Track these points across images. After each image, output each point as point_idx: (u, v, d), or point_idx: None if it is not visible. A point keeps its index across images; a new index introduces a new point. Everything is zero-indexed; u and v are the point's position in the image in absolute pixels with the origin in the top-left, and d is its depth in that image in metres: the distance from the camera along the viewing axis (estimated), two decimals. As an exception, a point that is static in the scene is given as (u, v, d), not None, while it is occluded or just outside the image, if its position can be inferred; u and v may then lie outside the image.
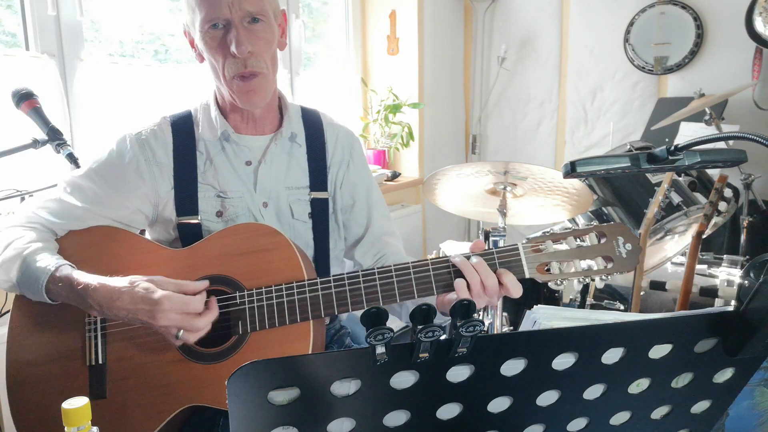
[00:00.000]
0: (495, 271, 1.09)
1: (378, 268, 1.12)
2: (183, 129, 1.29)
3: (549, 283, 1.11)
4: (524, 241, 1.11)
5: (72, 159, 1.52)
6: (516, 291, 1.08)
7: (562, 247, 1.10)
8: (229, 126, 1.28)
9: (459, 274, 1.09)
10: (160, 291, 1.05)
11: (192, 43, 1.26)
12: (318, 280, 1.13)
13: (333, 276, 1.14)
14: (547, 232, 1.12)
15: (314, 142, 1.35)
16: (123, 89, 2.37)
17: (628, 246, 1.10)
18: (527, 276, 1.10)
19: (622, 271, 1.10)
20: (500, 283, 1.08)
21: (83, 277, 1.10)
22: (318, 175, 1.34)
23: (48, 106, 1.60)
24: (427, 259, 1.13)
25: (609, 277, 1.10)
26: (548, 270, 1.10)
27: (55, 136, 1.54)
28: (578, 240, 1.11)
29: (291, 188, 1.32)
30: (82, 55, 2.21)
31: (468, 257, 1.10)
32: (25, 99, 1.54)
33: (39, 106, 1.55)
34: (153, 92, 2.48)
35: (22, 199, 1.55)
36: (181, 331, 1.05)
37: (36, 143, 1.54)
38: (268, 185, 1.30)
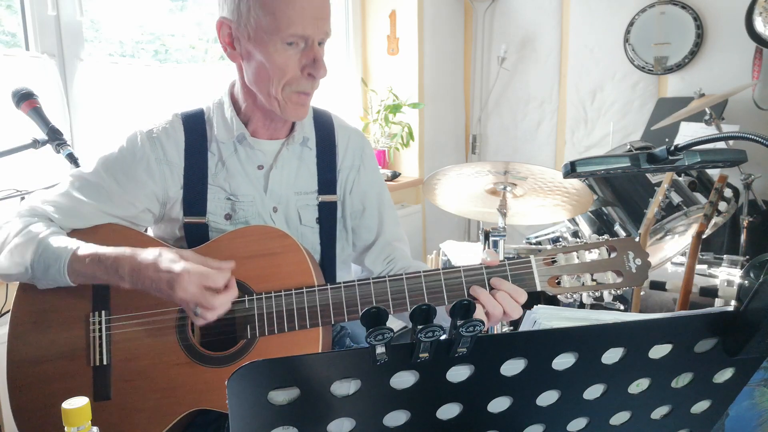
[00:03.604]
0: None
1: (389, 276, 1.13)
2: (196, 128, 1.27)
3: (559, 296, 1.12)
4: (535, 253, 1.13)
5: (72, 159, 1.52)
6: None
7: (574, 260, 1.11)
8: (245, 129, 1.25)
9: (473, 284, 1.11)
10: (183, 262, 1.05)
11: (229, 37, 1.18)
12: (328, 286, 1.13)
13: (343, 282, 1.13)
14: (559, 244, 1.14)
15: (325, 145, 1.34)
16: (123, 89, 2.37)
17: (638, 261, 1.11)
18: (539, 289, 1.11)
19: (632, 285, 1.11)
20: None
21: (111, 249, 1.10)
22: (327, 179, 1.33)
23: (48, 106, 1.60)
24: (439, 269, 1.14)
25: (619, 291, 1.11)
26: (558, 283, 1.11)
27: (55, 136, 1.53)
28: (589, 253, 1.12)
29: (300, 193, 1.31)
30: (82, 55, 2.21)
31: (487, 275, 1.11)
32: (25, 99, 1.53)
33: (39, 106, 1.55)
34: (153, 92, 2.48)
35: (22, 198, 1.55)
36: (198, 307, 1.04)
37: (36, 143, 1.54)
38: (279, 190, 1.29)
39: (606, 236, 1.15)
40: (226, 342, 1.14)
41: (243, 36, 1.16)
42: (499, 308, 1.08)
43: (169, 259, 1.06)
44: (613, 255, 1.11)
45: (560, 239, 2.48)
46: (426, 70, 3.55)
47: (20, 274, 1.14)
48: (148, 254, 1.08)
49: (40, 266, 1.11)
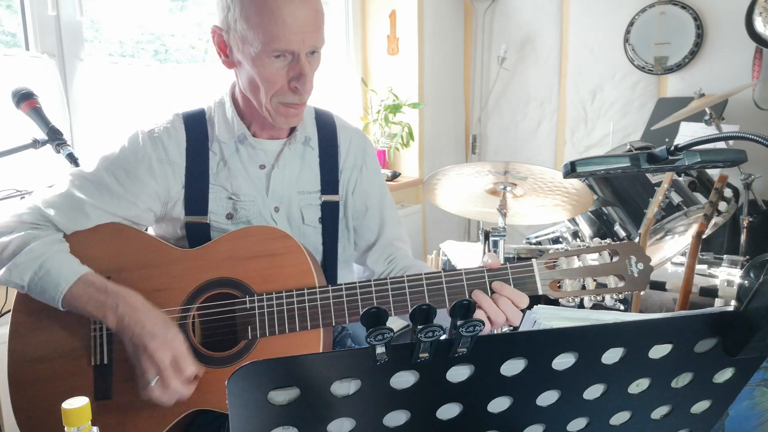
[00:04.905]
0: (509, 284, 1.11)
1: (390, 278, 1.13)
2: (197, 128, 1.27)
3: (560, 300, 1.12)
4: (537, 256, 1.13)
5: (72, 159, 1.52)
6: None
7: (576, 264, 1.11)
8: (246, 129, 1.25)
9: (474, 287, 1.11)
10: (177, 330, 1.09)
11: (222, 45, 1.20)
12: (330, 287, 1.13)
13: (345, 284, 1.13)
14: (561, 248, 1.13)
15: (327, 145, 1.34)
16: (123, 89, 2.37)
17: (640, 265, 1.11)
18: (540, 293, 1.11)
19: (634, 290, 1.11)
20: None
21: (114, 286, 1.12)
22: (329, 179, 1.33)
23: (48, 106, 1.60)
24: (440, 271, 1.13)
25: (621, 295, 1.11)
26: (560, 287, 1.11)
27: (55, 136, 1.53)
28: (591, 257, 1.12)
29: (302, 193, 1.31)
30: (82, 55, 2.21)
31: (489, 279, 1.11)
32: (25, 99, 1.53)
33: (39, 106, 1.55)
34: (153, 92, 2.48)
35: (22, 198, 1.55)
36: (157, 378, 1.05)
37: (36, 143, 1.54)
38: (281, 190, 1.29)
39: (608, 240, 1.14)
40: (226, 342, 1.14)
41: (233, 46, 1.17)
42: (501, 316, 1.08)
43: (167, 320, 1.10)
44: (615, 259, 1.11)
45: (560, 239, 2.48)
46: (426, 70, 3.55)
47: (17, 288, 1.15)
48: (152, 310, 1.11)
49: (37, 288, 1.11)
